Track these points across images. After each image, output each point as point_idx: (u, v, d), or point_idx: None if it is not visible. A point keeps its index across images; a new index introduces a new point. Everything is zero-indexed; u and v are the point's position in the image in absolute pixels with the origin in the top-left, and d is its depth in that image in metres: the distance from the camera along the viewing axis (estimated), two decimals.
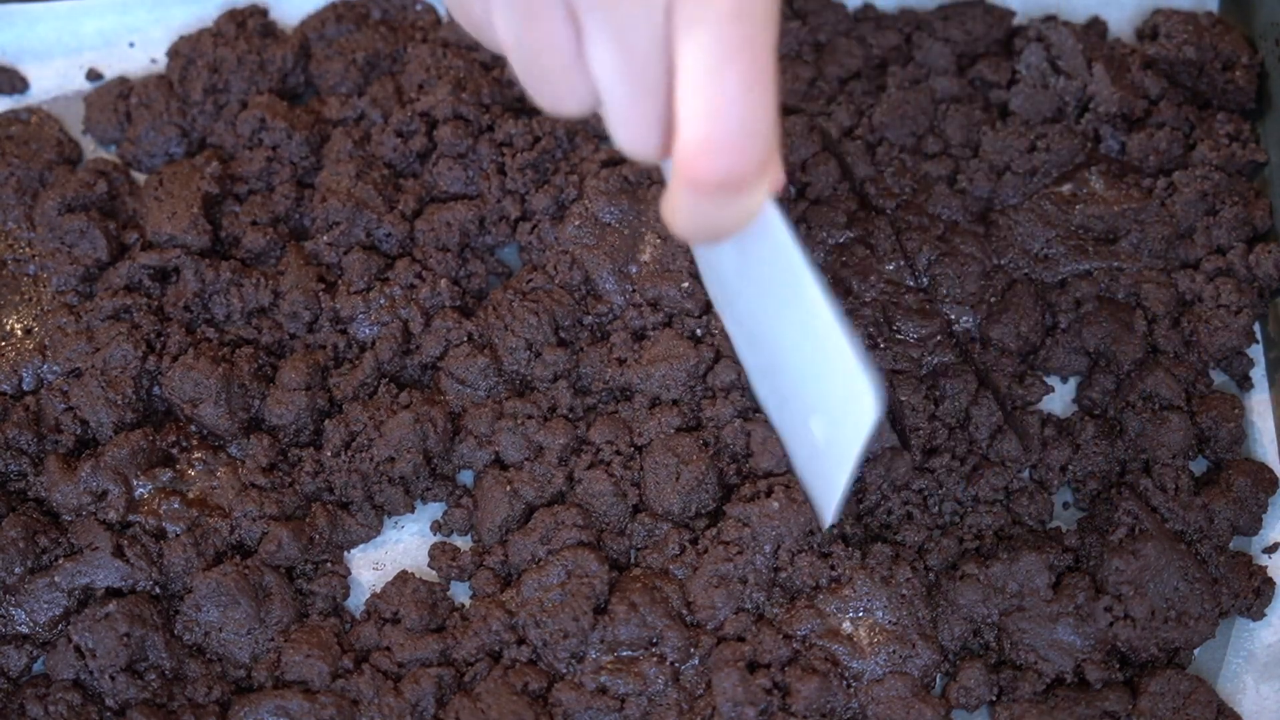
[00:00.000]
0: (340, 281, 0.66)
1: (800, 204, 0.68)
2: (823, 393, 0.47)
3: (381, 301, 0.65)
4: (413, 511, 0.63)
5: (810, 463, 0.52)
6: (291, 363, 0.64)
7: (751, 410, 0.63)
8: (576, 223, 0.67)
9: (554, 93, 0.46)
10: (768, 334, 0.50)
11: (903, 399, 0.62)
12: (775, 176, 0.44)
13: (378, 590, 0.61)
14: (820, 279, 0.45)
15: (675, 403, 0.63)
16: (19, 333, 0.65)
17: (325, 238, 0.67)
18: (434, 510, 0.64)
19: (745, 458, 0.62)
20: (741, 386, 0.63)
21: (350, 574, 0.62)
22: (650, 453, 0.62)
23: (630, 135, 0.45)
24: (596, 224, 0.67)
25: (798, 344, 0.47)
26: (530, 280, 0.66)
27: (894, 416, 0.61)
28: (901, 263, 0.66)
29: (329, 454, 0.62)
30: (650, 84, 0.43)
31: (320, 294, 0.66)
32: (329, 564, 0.61)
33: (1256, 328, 0.67)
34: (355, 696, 0.58)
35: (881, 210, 0.68)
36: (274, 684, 0.59)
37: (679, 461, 0.61)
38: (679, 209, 0.44)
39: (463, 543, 0.63)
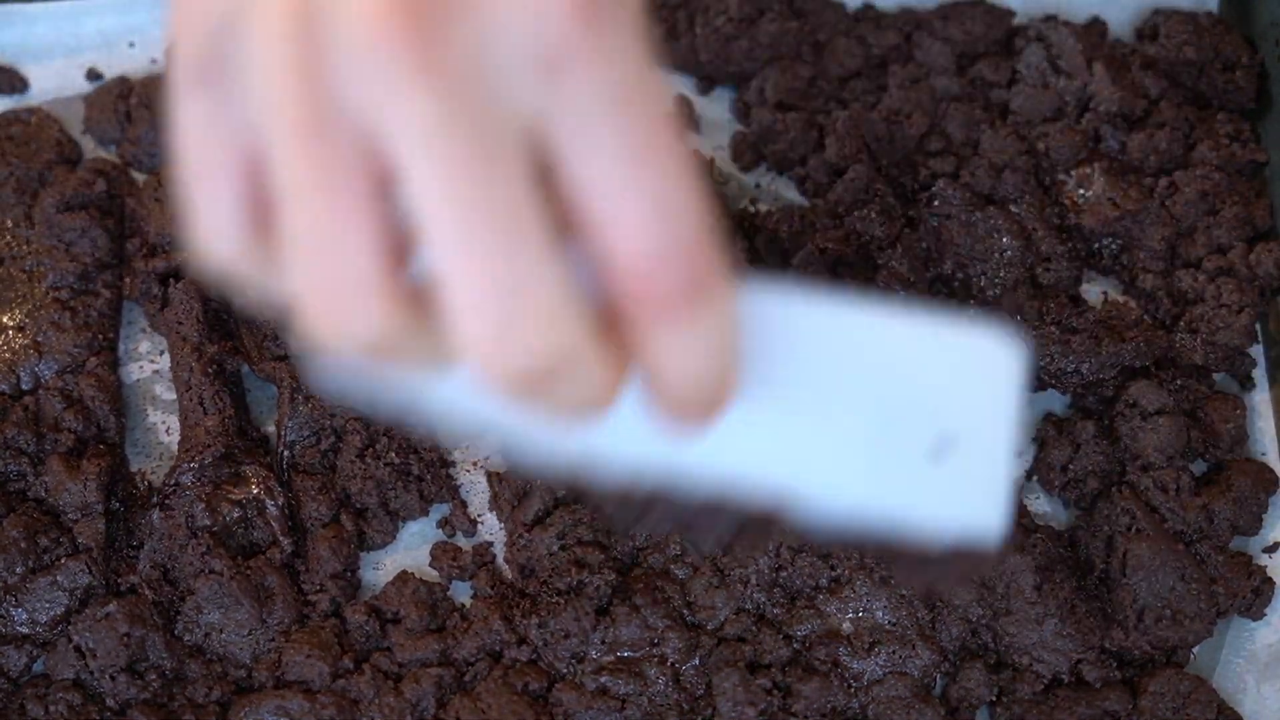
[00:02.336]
0: None
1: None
2: (946, 400, 0.38)
3: None
4: (426, 515, 0.63)
5: (946, 491, 0.41)
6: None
7: None
8: None
9: (343, 296, 0.31)
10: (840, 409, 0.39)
11: None
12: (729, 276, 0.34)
13: (378, 590, 0.61)
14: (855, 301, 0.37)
15: None
16: (15, 332, 0.65)
17: None
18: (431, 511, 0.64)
19: None
20: None
21: (361, 582, 0.62)
22: None
23: (510, 329, 0.31)
24: None
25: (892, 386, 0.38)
26: None
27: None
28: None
29: (349, 458, 0.62)
30: (521, 227, 0.30)
31: None
32: (349, 572, 0.61)
33: (1257, 327, 0.67)
34: (355, 696, 0.58)
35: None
36: (274, 684, 0.59)
37: None
38: (668, 368, 0.33)
39: (465, 543, 0.63)
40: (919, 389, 0.38)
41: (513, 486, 0.62)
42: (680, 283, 0.32)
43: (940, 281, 0.67)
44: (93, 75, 0.73)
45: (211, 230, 0.33)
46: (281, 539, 0.60)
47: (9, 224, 0.67)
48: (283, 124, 0.31)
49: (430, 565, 0.62)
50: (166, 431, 0.65)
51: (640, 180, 0.31)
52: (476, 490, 0.64)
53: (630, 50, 0.31)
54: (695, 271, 0.32)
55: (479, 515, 0.63)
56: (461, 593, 0.62)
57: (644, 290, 0.32)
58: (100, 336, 0.65)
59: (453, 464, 0.64)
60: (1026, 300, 0.65)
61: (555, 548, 0.60)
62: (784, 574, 0.60)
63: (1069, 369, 0.63)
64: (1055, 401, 0.66)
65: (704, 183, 0.31)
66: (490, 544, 0.62)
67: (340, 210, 0.31)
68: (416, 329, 0.32)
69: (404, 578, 0.61)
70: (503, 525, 0.62)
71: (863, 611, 0.59)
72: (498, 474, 0.63)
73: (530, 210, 0.30)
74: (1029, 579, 0.59)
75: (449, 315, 0.31)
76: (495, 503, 0.63)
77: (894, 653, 0.58)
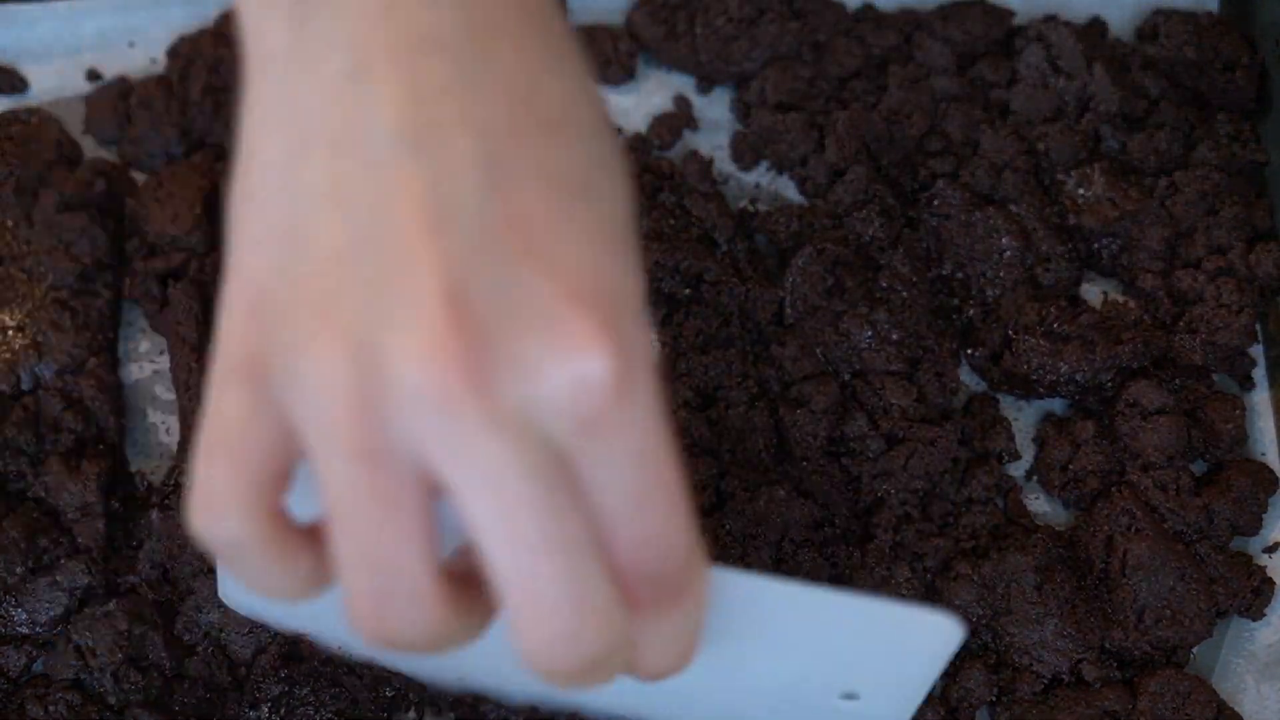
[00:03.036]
0: None
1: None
2: (868, 666, 0.44)
3: None
4: None
5: None
6: None
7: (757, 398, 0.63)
8: None
9: (388, 602, 0.35)
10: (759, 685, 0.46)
11: (894, 401, 0.62)
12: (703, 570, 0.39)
13: None
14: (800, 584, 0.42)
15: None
16: (15, 332, 0.65)
17: None
18: None
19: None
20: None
21: None
22: None
23: (566, 621, 0.35)
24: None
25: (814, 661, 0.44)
26: None
27: None
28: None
29: None
30: (574, 542, 0.35)
31: None
32: None
33: (1257, 327, 0.67)
34: None
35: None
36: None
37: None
38: (651, 646, 0.38)
39: None
40: (839, 652, 0.43)
41: None
42: (669, 587, 0.37)
43: (940, 282, 0.67)
44: (93, 75, 0.73)
45: (218, 509, 0.36)
46: None
47: (9, 224, 0.67)
48: (336, 448, 0.34)
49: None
50: (166, 431, 0.65)
51: (647, 517, 0.36)
52: None
53: (651, 417, 0.35)
54: (680, 579, 0.37)
55: None
56: None
57: (640, 590, 0.37)
58: (100, 336, 0.65)
59: None
60: (1026, 301, 0.65)
61: None
62: (785, 566, 0.60)
63: (1063, 378, 0.63)
64: (1055, 401, 0.66)
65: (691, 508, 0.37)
66: None
67: (392, 529, 0.34)
68: (464, 624, 0.36)
69: None
70: None
71: None
72: None
73: (582, 527, 0.35)
74: (1029, 579, 0.59)
75: (514, 624, 0.35)
76: None
77: None
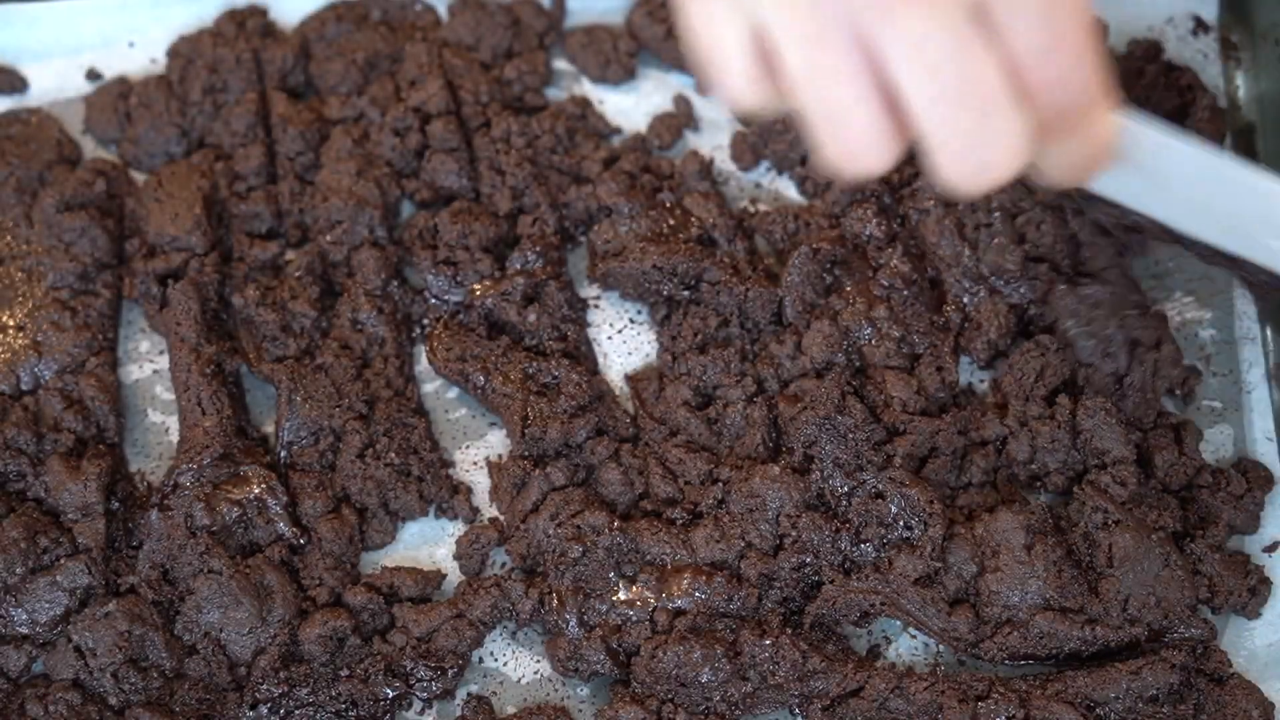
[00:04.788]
0: (353, 281, 0.66)
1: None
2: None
3: (395, 297, 0.66)
4: (426, 515, 0.63)
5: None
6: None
7: (755, 395, 0.63)
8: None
9: (848, 143, 0.45)
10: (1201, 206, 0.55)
11: (895, 395, 0.62)
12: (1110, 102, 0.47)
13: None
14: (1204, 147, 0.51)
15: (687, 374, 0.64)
16: (15, 332, 0.65)
17: (329, 237, 0.67)
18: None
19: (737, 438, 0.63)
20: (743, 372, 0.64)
21: (360, 577, 0.62)
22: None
23: (976, 156, 0.44)
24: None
25: (1233, 205, 0.54)
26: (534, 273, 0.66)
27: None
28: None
29: (349, 459, 0.62)
30: (971, 92, 0.43)
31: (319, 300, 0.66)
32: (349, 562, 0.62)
33: (1257, 328, 0.67)
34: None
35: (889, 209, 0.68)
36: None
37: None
38: (1050, 166, 0.48)
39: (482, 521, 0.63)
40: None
41: (511, 477, 0.62)
42: (1058, 114, 0.45)
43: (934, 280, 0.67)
44: (93, 75, 0.73)
45: (728, 71, 0.46)
46: (286, 529, 0.60)
47: (9, 224, 0.68)
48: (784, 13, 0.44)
49: (454, 557, 0.62)
50: (166, 431, 0.65)
51: (1054, 59, 0.44)
52: (478, 490, 0.64)
53: None
54: (1075, 107, 0.45)
55: (479, 506, 0.64)
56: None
57: (1040, 105, 0.44)
58: (100, 336, 0.65)
59: (452, 464, 0.64)
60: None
61: (551, 529, 0.60)
62: (789, 538, 0.60)
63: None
64: None
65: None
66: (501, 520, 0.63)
67: (845, 81, 0.44)
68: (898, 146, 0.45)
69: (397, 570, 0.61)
70: (501, 516, 0.63)
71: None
72: (497, 465, 0.63)
73: (992, 72, 0.43)
74: (1020, 537, 0.59)
75: (936, 160, 0.45)
76: (494, 494, 0.63)
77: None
